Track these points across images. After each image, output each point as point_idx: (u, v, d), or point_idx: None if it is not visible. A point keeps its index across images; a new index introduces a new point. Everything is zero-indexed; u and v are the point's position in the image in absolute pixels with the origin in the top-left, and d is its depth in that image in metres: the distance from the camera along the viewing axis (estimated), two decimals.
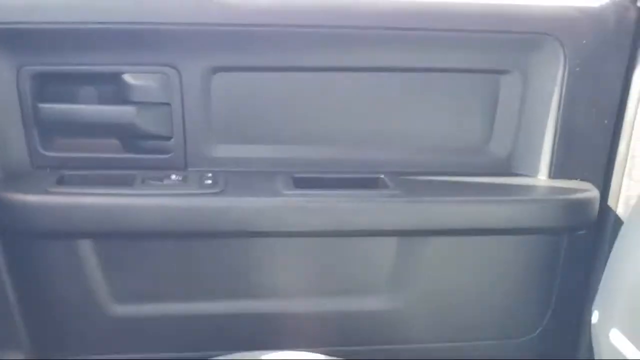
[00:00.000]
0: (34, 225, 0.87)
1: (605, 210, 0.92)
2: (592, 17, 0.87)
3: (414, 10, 0.85)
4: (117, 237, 0.91)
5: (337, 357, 0.73)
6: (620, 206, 0.92)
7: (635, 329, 0.71)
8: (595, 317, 0.76)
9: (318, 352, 0.76)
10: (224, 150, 0.92)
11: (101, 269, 0.91)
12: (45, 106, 0.86)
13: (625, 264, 0.74)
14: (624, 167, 0.92)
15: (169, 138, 0.90)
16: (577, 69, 0.88)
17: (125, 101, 0.87)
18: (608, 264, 0.75)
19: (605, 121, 0.91)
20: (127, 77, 0.85)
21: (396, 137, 0.95)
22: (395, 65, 0.90)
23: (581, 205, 0.93)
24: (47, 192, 0.85)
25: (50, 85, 0.88)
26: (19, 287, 0.94)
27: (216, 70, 0.86)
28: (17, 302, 0.94)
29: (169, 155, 0.91)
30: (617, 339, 0.74)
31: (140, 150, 0.92)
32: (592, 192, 0.92)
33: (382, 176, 0.92)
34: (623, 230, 0.75)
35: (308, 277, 0.95)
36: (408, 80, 0.93)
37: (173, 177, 0.89)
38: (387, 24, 0.86)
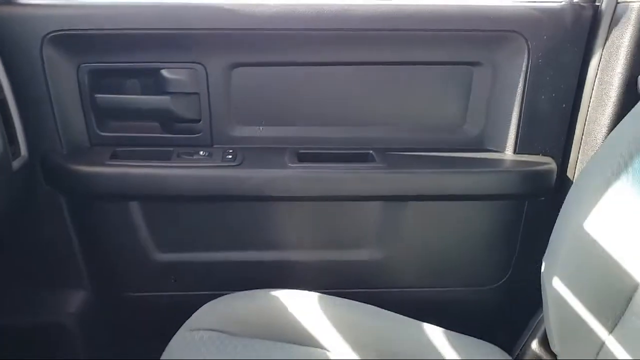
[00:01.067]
0: (93, 190, 1.02)
1: (562, 180, 1.04)
2: (552, 15, 0.98)
3: (400, 14, 0.97)
4: (158, 200, 1.05)
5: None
6: (575, 176, 1.03)
7: (574, 277, 0.84)
8: (543, 268, 0.88)
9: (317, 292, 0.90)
10: (242, 131, 1.05)
11: (146, 224, 1.06)
12: (100, 96, 1.00)
13: (567, 221, 0.85)
14: (579, 144, 1.04)
15: (198, 121, 1.03)
16: (539, 60, 0.99)
17: (162, 92, 1.00)
18: (556, 222, 0.87)
19: (564, 105, 1.02)
20: (164, 72, 0.98)
21: (384, 119, 1.06)
22: (384, 60, 1.02)
23: (541, 176, 1.04)
24: (103, 165, 0.99)
25: (103, 79, 1.00)
26: (82, 238, 1.09)
27: (235, 65, 0.99)
28: (81, 251, 1.10)
29: (198, 134, 1.04)
30: (559, 286, 0.86)
31: (175, 131, 1.05)
32: (550, 165, 1.04)
33: (371, 152, 1.04)
34: (569, 193, 0.87)
35: (309, 233, 1.08)
36: (395, 72, 1.03)
37: (201, 152, 1.03)
38: (378, 26, 0.97)
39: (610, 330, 0.78)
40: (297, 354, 0.82)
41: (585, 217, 0.79)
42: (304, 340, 0.85)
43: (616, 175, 0.76)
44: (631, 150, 0.74)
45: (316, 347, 0.85)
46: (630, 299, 0.76)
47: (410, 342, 0.91)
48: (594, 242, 0.78)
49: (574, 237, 0.81)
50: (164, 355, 0.79)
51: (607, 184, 0.76)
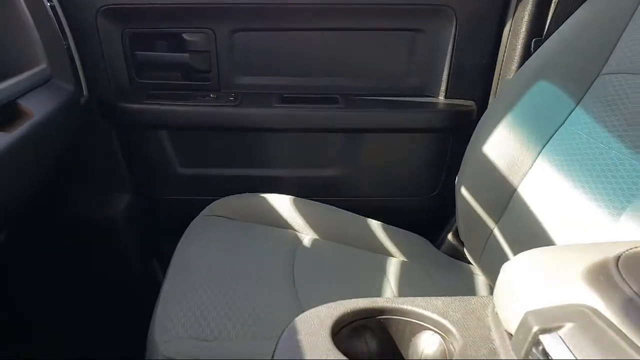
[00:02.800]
0: (134, 121, 1.25)
1: (479, 118, 1.24)
2: None
3: None
4: (181, 129, 1.27)
5: None
6: None
7: (474, 186, 1.05)
8: (456, 181, 1.10)
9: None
10: (241, 80, 1.28)
11: (172, 146, 1.29)
12: (138, 53, 1.23)
13: (472, 147, 1.06)
14: (494, 91, 1.27)
15: (209, 72, 1.26)
16: (465, 28, 1.23)
17: (183, 50, 1.24)
18: (467, 148, 1.06)
19: (483, 62, 1.26)
20: (184, 35, 1.23)
21: (348, 72, 1.29)
22: (348, 27, 1.24)
23: (464, 115, 1.28)
24: (141, 103, 1.23)
25: (140, 40, 1.22)
26: (126, 156, 1.30)
27: (236, 31, 1.23)
28: (125, 165, 1.31)
29: (209, 82, 1.27)
30: (465, 193, 1.08)
31: (192, 79, 1.27)
32: (472, 107, 1.28)
33: (337, 96, 1.28)
34: (476, 127, 1.07)
35: (290, 155, 1.30)
36: (356, 36, 1.25)
37: (211, 95, 1.26)
38: (344, 1, 1.20)
39: (496, 222, 1.03)
40: (277, 232, 1.13)
41: (483, 144, 1.04)
42: (282, 224, 1.15)
43: (503, 113, 1.03)
44: (515, 97, 1.01)
45: (291, 229, 1.16)
46: (510, 199, 1.00)
47: (358, 230, 1.19)
48: (487, 161, 1.02)
49: (475, 158, 1.06)
50: (187, 231, 1.08)
51: (498, 119, 1.02)
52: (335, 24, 1.25)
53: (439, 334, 0.57)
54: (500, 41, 1.25)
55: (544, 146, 1.02)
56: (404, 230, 1.22)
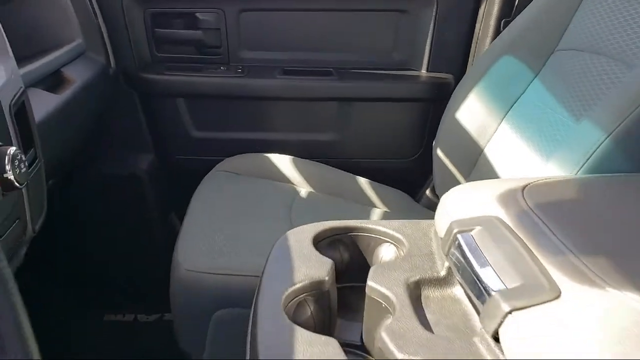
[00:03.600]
0: (155, 90, 1.44)
1: None
2: None
3: None
4: (195, 97, 1.44)
5: None
6: None
7: (448, 146, 1.21)
8: (434, 143, 1.25)
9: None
10: (247, 54, 1.46)
11: (187, 112, 1.46)
12: (158, 30, 1.42)
13: (447, 112, 1.21)
14: (471, 64, 1.45)
15: (219, 47, 1.45)
16: (444, 9, 1.41)
17: (197, 28, 1.42)
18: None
19: (460, 39, 1.44)
20: (198, 15, 1.41)
21: (340, 48, 1.46)
22: (341, 7, 1.42)
23: (443, 87, 1.45)
24: (160, 74, 1.42)
25: (160, 19, 1.41)
26: (148, 120, 1.48)
27: (243, 10, 1.41)
28: (147, 128, 1.49)
29: (220, 56, 1.46)
30: (440, 153, 1.23)
31: (205, 53, 1.46)
32: (450, 80, 1.46)
33: (332, 69, 1.46)
34: (451, 96, 1.23)
35: (290, 120, 1.48)
36: (349, 16, 1.44)
37: (222, 68, 1.44)
38: None
39: (466, 178, 1.20)
40: (278, 185, 1.32)
41: (456, 111, 1.21)
42: (282, 179, 1.34)
43: (473, 84, 1.20)
44: (485, 69, 1.18)
45: (289, 183, 1.35)
46: (478, 158, 1.18)
47: (348, 186, 1.36)
48: (459, 126, 1.20)
49: (450, 123, 1.24)
50: (201, 184, 1.27)
51: (469, 90, 1.20)
52: (329, 6, 1.44)
53: (394, 244, 0.76)
54: (476, 21, 1.43)
55: (507, 112, 1.20)
56: (388, 187, 1.40)
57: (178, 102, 1.47)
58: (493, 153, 1.19)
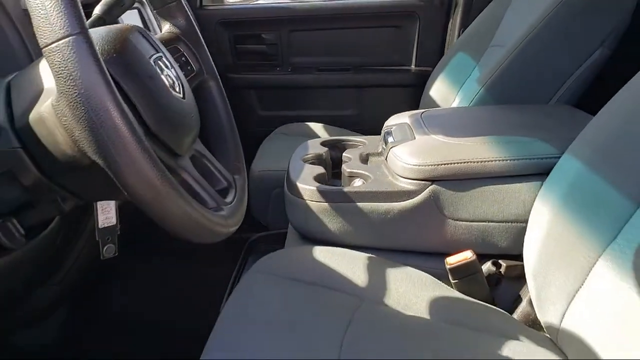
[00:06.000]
0: (235, 85, 2.20)
1: None
2: (429, 2, 2.18)
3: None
4: (261, 88, 2.21)
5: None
6: None
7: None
8: None
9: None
10: (294, 59, 2.21)
11: (256, 98, 2.23)
12: (238, 46, 2.21)
13: (424, 92, 2.04)
14: None
15: (276, 55, 2.20)
16: (425, 24, 2.13)
17: (262, 43, 2.21)
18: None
19: (437, 44, 2.17)
20: (263, 35, 2.18)
21: (355, 53, 2.17)
22: (356, 26, 2.17)
23: (426, 76, 2.04)
24: (239, 74, 2.21)
25: (239, 39, 2.21)
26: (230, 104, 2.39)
27: (291, 31, 2.15)
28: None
29: (276, 61, 2.21)
30: None
31: (267, 60, 2.23)
32: (430, 71, 2.04)
33: (350, 67, 2.15)
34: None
35: (324, 99, 2.22)
36: (361, 32, 2.16)
37: (277, 69, 2.21)
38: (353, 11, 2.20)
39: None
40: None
41: (429, 91, 1.93)
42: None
43: (439, 73, 1.95)
44: (446, 63, 1.91)
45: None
46: None
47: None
48: (430, 101, 1.93)
49: (426, 97, 1.94)
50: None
51: (436, 77, 1.90)
52: (348, 25, 2.20)
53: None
54: (446, 31, 2.16)
55: (458, 92, 1.91)
56: None
57: (251, 92, 2.24)
58: None
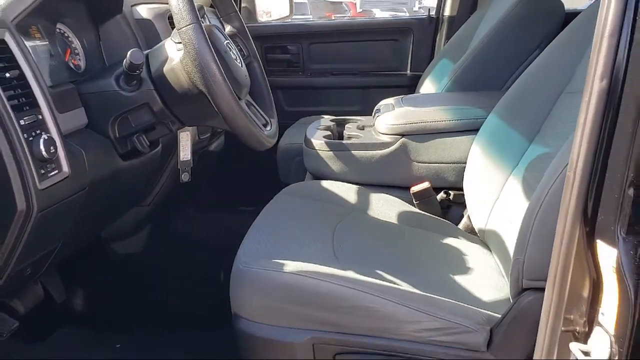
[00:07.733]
0: None
1: None
2: (421, 21, 2.73)
3: (369, 23, 2.77)
4: (286, 88, 2.74)
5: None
6: None
7: None
8: None
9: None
10: (313, 65, 2.77)
11: (283, 97, 2.76)
12: (268, 55, 2.79)
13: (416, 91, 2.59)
14: None
15: (298, 62, 2.77)
16: (418, 38, 2.69)
17: (287, 53, 2.81)
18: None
19: (428, 53, 2.75)
20: (288, 46, 2.77)
21: (361, 60, 2.73)
22: (362, 39, 2.75)
23: (419, 79, 2.75)
24: (269, 77, 2.87)
25: (269, 49, 2.80)
26: None
27: (311, 43, 2.73)
28: None
29: (299, 67, 2.80)
30: None
31: (291, 66, 2.79)
32: (422, 74, 2.79)
33: (357, 72, 2.74)
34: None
35: (336, 99, 2.85)
36: (367, 44, 2.73)
37: (300, 73, 2.77)
38: (359, 27, 2.79)
39: None
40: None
41: (419, 89, 2.53)
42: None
43: (427, 75, 2.51)
44: (434, 66, 2.48)
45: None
46: None
47: None
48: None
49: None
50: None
51: (425, 78, 2.47)
52: (356, 39, 2.77)
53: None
54: (435, 42, 2.72)
55: (446, 85, 2.44)
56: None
57: (278, 92, 2.79)
58: None
